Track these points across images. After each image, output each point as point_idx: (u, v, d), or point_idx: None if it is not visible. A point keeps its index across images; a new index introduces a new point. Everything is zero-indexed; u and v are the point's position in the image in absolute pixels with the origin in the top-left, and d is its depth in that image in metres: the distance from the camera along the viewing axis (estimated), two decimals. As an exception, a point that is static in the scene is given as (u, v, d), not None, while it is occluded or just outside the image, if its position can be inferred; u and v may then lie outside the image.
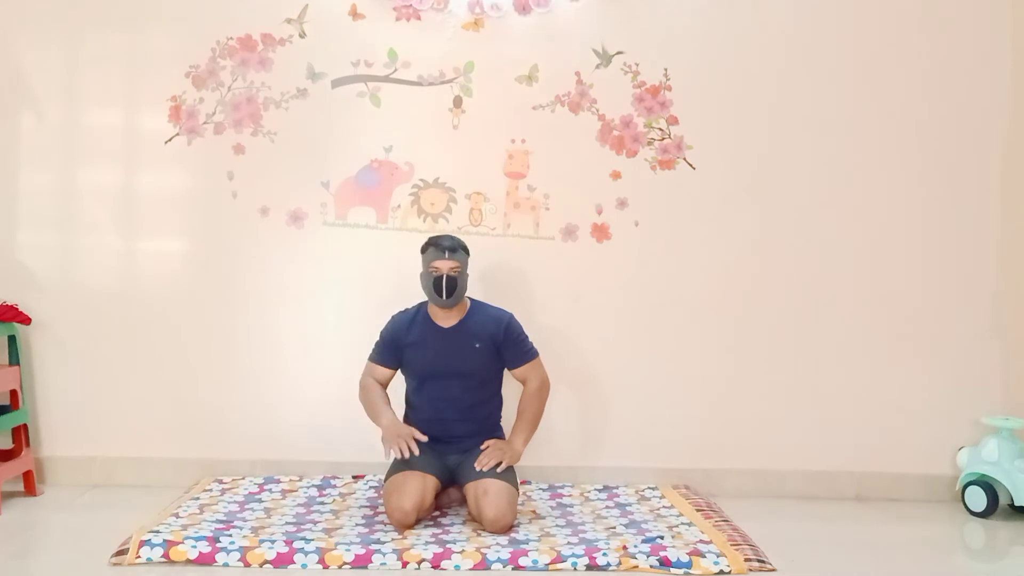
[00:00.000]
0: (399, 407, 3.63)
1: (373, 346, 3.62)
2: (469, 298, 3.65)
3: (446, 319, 3.57)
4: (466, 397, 3.53)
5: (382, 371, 3.60)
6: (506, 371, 3.63)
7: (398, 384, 3.65)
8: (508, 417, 3.72)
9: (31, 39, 3.91)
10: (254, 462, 3.94)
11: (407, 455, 3.32)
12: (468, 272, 3.58)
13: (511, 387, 3.69)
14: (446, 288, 3.48)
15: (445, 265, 3.49)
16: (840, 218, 4.02)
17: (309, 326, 3.96)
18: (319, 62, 3.94)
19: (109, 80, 3.93)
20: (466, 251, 3.57)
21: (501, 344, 3.55)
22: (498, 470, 3.40)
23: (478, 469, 3.40)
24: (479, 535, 3.28)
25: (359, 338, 3.77)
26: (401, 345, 3.56)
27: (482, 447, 3.49)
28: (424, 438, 3.39)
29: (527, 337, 3.62)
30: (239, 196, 3.94)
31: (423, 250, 3.57)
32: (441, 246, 3.51)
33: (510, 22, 3.96)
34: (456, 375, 3.51)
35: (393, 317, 3.62)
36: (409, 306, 3.65)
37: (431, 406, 3.54)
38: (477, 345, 3.52)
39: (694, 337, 4.01)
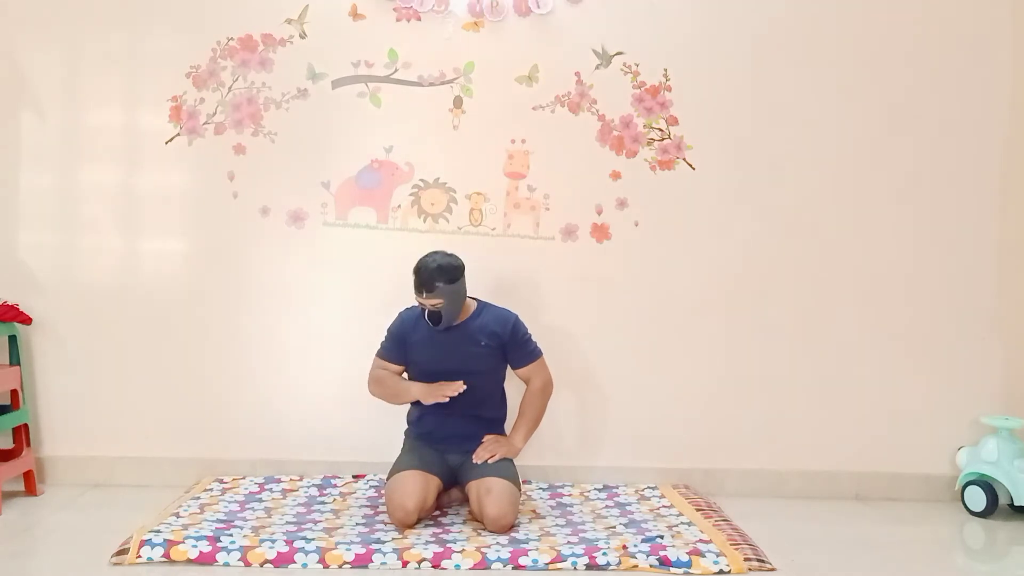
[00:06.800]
0: (401, 410, 3.64)
1: (381, 343, 3.61)
2: (476, 299, 3.64)
3: (453, 318, 3.58)
4: (470, 396, 3.51)
5: (392, 367, 3.59)
6: (509, 371, 3.63)
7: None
8: (510, 419, 3.72)
9: (32, 39, 3.91)
10: (254, 462, 3.95)
11: (458, 392, 3.37)
12: (460, 290, 3.47)
13: (514, 390, 3.70)
14: (431, 320, 3.48)
15: (426, 302, 3.45)
16: (840, 218, 4.02)
17: (309, 326, 3.96)
18: (319, 62, 3.94)
19: (110, 80, 3.94)
20: (450, 279, 3.40)
21: (507, 343, 3.55)
22: (490, 461, 3.43)
23: (475, 461, 3.44)
24: (479, 534, 3.28)
25: (359, 338, 3.77)
26: (408, 342, 3.55)
27: (483, 440, 3.52)
28: (462, 386, 3.40)
29: (531, 337, 3.62)
30: (239, 196, 3.95)
31: (413, 273, 3.48)
32: (418, 285, 3.41)
33: (510, 22, 3.97)
34: (461, 374, 3.49)
35: (400, 313, 3.62)
36: (414, 304, 3.64)
37: (435, 404, 3.52)
38: (483, 343, 3.52)
39: (694, 337, 4.01)
